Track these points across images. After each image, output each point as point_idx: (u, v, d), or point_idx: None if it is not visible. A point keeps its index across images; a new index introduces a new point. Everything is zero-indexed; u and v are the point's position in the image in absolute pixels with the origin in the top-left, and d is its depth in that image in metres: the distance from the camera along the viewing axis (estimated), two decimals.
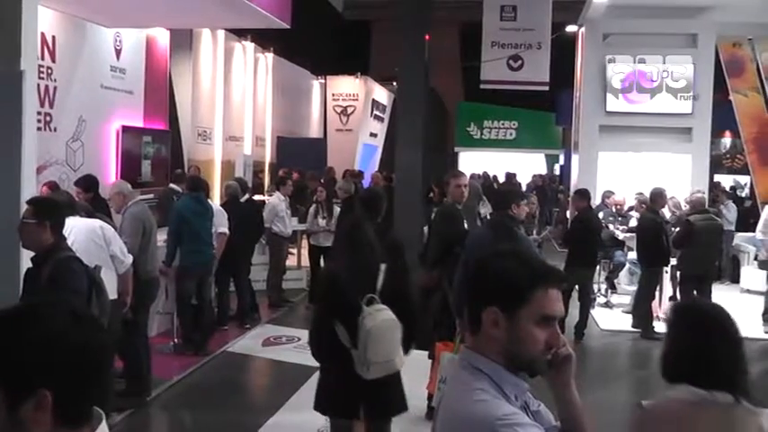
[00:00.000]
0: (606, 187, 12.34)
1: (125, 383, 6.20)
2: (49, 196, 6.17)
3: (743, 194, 18.00)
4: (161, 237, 7.47)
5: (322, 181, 12.66)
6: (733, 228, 12.65)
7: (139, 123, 11.12)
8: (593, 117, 13.78)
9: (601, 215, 10.98)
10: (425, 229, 8.91)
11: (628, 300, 10.33)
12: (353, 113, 21.05)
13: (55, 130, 9.05)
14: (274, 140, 17.04)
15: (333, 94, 21.22)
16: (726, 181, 19.55)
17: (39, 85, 7.86)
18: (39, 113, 7.78)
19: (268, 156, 16.86)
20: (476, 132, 26.47)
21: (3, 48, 5.43)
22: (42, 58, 8.47)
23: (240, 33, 14.59)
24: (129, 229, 6.41)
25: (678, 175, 13.25)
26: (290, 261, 11.56)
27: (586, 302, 9.22)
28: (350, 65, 22.22)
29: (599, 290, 10.91)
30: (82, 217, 5.65)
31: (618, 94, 13.56)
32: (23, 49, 5.44)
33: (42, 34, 8.31)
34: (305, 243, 11.48)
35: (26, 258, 4.47)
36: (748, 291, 11.71)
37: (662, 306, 9.53)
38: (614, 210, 11.84)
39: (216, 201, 10.36)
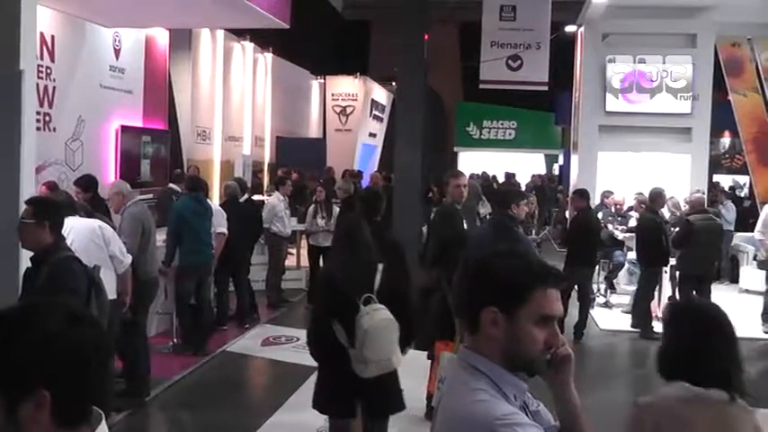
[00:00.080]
0: (605, 187, 12.35)
1: (124, 383, 6.20)
2: (48, 196, 6.17)
3: (742, 194, 18.00)
4: (160, 237, 7.47)
5: (321, 181, 12.66)
6: (732, 228, 12.66)
7: (139, 123, 11.12)
8: (593, 117, 13.78)
9: (600, 215, 10.99)
10: (425, 229, 8.91)
11: (627, 300, 10.34)
12: (353, 113, 21.06)
13: (54, 129, 9.04)
14: (273, 140, 17.04)
15: (332, 94, 21.22)
16: (725, 181, 19.56)
17: (38, 84, 7.85)
18: (38, 113, 7.77)
19: (267, 156, 16.86)
20: (475, 132, 26.46)
21: (2, 47, 5.43)
22: (41, 58, 8.47)
23: (239, 33, 14.59)
24: (128, 229, 6.41)
25: (677, 175, 13.25)
26: (290, 261, 11.56)
27: (586, 302, 9.23)
28: (349, 65, 22.22)
29: (598, 290, 10.91)
30: (81, 217, 5.65)
31: (618, 94, 13.56)
32: (22, 48, 5.44)
33: (41, 34, 8.31)
34: (304, 243, 11.48)
35: (25, 258, 4.47)
36: (747, 291, 11.72)
37: (661, 306, 9.53)
38: (613, 210, 11.85)
39: (215, 201, 10.36)
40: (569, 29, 14.93)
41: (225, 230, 8.28)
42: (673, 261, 9.53)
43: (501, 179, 20.61)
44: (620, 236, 10.95)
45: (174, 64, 12.30)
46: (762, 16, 12.82)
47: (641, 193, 11.06)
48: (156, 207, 9.38)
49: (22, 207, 4.48)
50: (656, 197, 9.63)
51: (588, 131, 13.89)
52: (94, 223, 5.65)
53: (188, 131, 12.83)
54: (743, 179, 18.66)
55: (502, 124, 26.35)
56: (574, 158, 15.05)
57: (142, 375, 6.38)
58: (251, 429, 5.91)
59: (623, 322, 9.78)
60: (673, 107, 13.42)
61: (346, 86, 21.22)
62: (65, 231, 4.52)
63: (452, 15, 21.10)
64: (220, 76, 13.90)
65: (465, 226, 6.46)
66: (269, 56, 16.85)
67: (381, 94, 23.34)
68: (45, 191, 7.10)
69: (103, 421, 1.37)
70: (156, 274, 6.83)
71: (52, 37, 8.89)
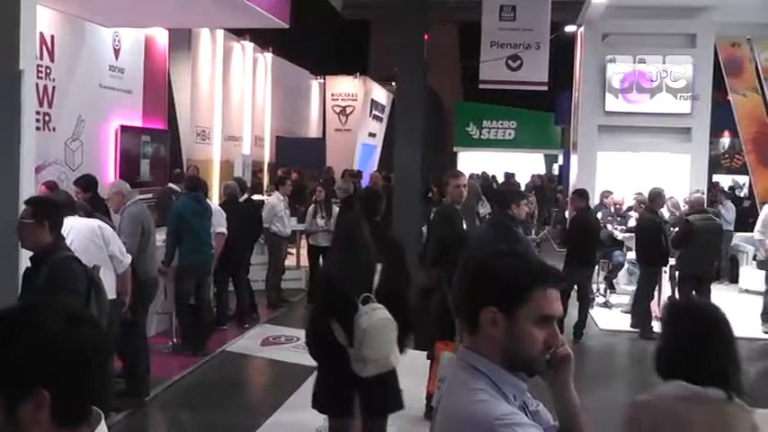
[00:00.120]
0: (605, 187, 12.34)
1: (124, 383, 6.20)
2: (48, 196, 6.16)
3: (741, 194, 18.01)
4: (160, 236, 7.47)
5: (321, 181, 12.66)
6: (731, 228, 12.66)
7: (138, 123, 11.12)
8: (592, 117, 13.78)
9: (599, 215, 10.99)
10: (424, 229, 8.91)
11: (626, 300, 10.34)
12: (352, 113, 21.06)
13: (54, 129, 9.04)
14: (273, 140, 17.04)
15: (332, 94, 21.23)
16: (724, 181, 19.57)
17: (37, 84, 7.85)
18: (37, 113, 7.77)
19: (267, 155, 16.86)
20: (475, 132, 26.46)
21: (1, 47, 5.43)
22: (41, 58, 8.47)
23: (239, 33, 14.59)
24: (127, 228, 6.41)
25: (677, 175, 13.25)
26: (289, 261, 11.56)
27: (585, 302, 9.23)
28: (349, 65, 22.22)
29: (598, 290, 10.92)
30: (81, 217, 5.65)
31: (618, 94, 13.56)
32: (22, 48, 5.44)
33: (41, 34, 8.31)
34: (304, 243, 11.48)
35: (25, 258, 4.47)
36: (747, 291, 11.71)
37: (661, 306, 9.53)
38: (613, 210, 11.85)
39: (215, 200, 10.37)
40: (569, 29, 14.93)
41: (224, 230, 8.28)
42: (672, 261, 9.53)
43: (500, 179, 20.62)
44: (620, 236, 10.96)
45: (174, 64, 12.30)
46: (761, 16, 12.82)
47: (641, 193, 11.06)
48: (156, 207, 9.38)
49: (22, 207, 4.48)
50: (656, 197, 9.63)
51: (588, 131, 13.89)
52: (94, 223, 5.64)
53: (187, 131, 12.83)
54: (742, 179, 18.67)
55: (501, 124, 26.36)
56: (573, 158, 15.05)
57: (142, 375, 6.38)
58: (250, 429, 5.91)
59: (623, 322, 9.78)
60: (673, 107, 13.42)
61: (346, 86, 21.22)
62: (64, 231, 4.52)
63: (452, 15, 21.11)
64: (220, 75, 13.89)
65: (465, 226, 6.46)
66: (269, 56, 16.85)
67: (381, 94, 23.34)
68: (44, 190, 7.10)
69: (103, 421, 1.37)
70: (155, 273, 6.83)
71: (52, 37, 8.89)
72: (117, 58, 10.46)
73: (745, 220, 12.97)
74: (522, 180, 21.70)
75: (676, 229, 9.70)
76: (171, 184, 10.45)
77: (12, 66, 5.38)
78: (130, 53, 10.79)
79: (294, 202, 11.58)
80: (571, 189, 12.46)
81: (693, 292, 9.08)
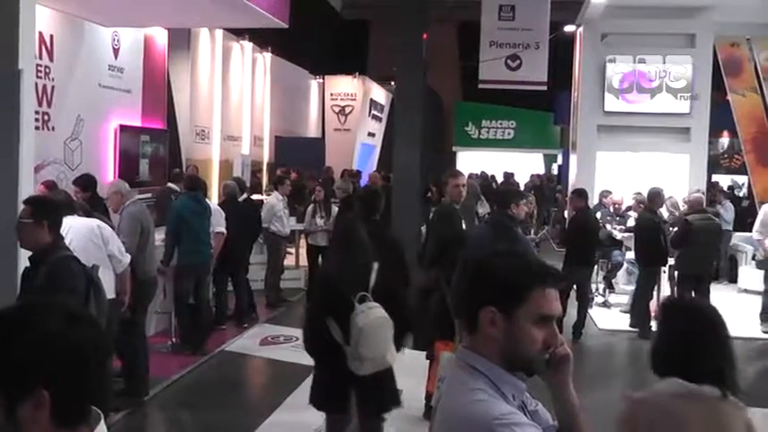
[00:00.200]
0: (604, 187, 12.34)
1: (123, 383, 6.20)
2: (47, 195, 6.16)
3: (740, 194, 18.01)
4: (159, 236, 7.47)
5: (320, 180, 12.66)
6: (730, 227, 12.67)
7: (137, 123, 11.11)
8: (592, 117, 13.78)
9: (599, 215, 10.99)
10: (423, 228, 8.91)
11: (626, 299, 10.34)
12: (351, 113, 21.05)
13: (53, 129, 9.04)
14: (272, 140, 17.04)
15: (331, 94, 21.22)
16: (724, 181, 19.57)
17: (36, 84, 7.84)
18: (37, 112, 7.77)
19: (266, 155, 16.86)
20: (474, 132, 26.46)
21: (0, 47, 5.42)
22: (40, 58, 8.47)
23: (238, 33, 14.58)
24: (126, 228, 6.41)
25: (676, 174, 13.26)
26: (288, 261, 11.56)
27: (584, 302, 9.23)
28: (348, 64, 22.22)
29: (597, 289, 10.92)
30: (80, 216, 5.65)
31: (618, 94, 13.56)
32: (21, 48, 5.44)
33: (40, 33, 8.30)
34: (303, 243, 11.48)
35: (24, 258, 4.47)
36: (746, 290, 11.72)
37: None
38: (612, 209, 11.85)
39: (214, 200, 10.36)
40: (568, 29, 14.93)
41: (223, 230, 8.28)
42: (671, 261, 9.54)
43: (500, 179, 20.62)
44: (619, 235, 10.96)
45: (173, 63, 12.29)
46: (760, 16, 12.82)
47: (640, 193, 11.06)
48: (155, 206, 9.37)
49: (21, 206, 4.48)
50: (655, 197, 9.63)
51: (587, 131, 13.89)
52: (93, 223, 5.64)
53: (187, 131, 12.83)
54: (741, 179, 18.67)
55: (501, 124, 26.36)
56: (572, 158, 15.06)
57: (141, 375, 6.38)
58: (249, 429, 5.91)
59: (622, 322, 9.78)
60: (673, 107, 13.41)
61: (345, 86, 21.22)
62: (63, 231, 4.52)
63: (451, 15, 21.11)
64: (219, 75, 13.89)
65: (464, 226, 6.46)
66: (268, 55, 16.85)
67: (380, 94, 23.34)
68: (43, 190, 7.10)
69: (102, 421, 1.37)
70: (154, 273, 6.83)
71: (51, 36, 8.89)
72: (116, 57, 10.46)
73: (744, 220, 12.98)
74: (522, 180, 21.70)
75: (675, 228, 9.70)
76: (170, 184, 10.44)
77: (11, 65, 5.38)
78: (130, 53, 10.79)
79: (293, 202, 11.58)
80: (570, 189, 12.46)
81: (693, 292, 9.09)
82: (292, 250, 12.22)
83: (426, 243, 6.87)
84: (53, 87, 8.95)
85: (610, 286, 11.17)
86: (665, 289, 10.02)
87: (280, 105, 17.69)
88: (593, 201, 11.55)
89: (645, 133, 13.50)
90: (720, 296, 9.49)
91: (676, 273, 9.55)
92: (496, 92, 17.97)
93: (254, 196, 11.48)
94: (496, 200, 6.93)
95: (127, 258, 5.80)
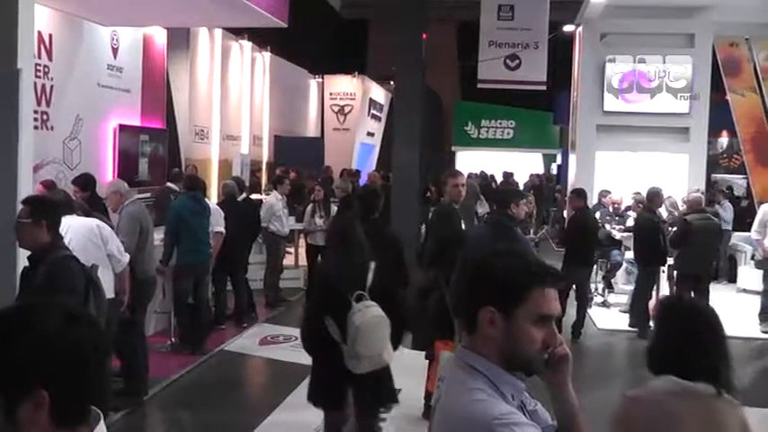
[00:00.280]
0: (603, 187, 12.34)
1: (122, 382, 6.20)
2: (45, 195, 6.16)
3: (739, 194, 18.01)
4: (158, 236, 7.46)
5: (319, 180, 12.66)
6: (730, 227, 12.67)
7: (136, 122, 11.11)
8: (591, 117, 13.78)
9: (598, 215, 10.99)
10: (422, 228, 8.92)
11: (625, 299, 10.34)
12: (351, 112, 21.06)
13: (52, 128, 9.04)
14: (271, 139, 17.04)
15: (330, 94, 21.23)
16: (722, 180, 19.57)
17: (36, 83, 7.85)
18: (36, 112, 7.77)
19: (265, 155, 16.86)
20: (473, 131, 26.46)
21: None
22: (39, 57, 8.47)
23: (237, 32, 14.58)
24: (126, 228, 6.40)
25: (675, 174, 13.26)
26: (288, 260, 11.55)
27: (583, 302, 9.23)
28: (347, 64, 22.23)
29: (596, 289, 10.92)
30: (79, 216, 5.64)
31: (618, 94, 13.55)
32: (20, 47, 5.43)
33: (39, 33, 8.30)
34: (302, 242, 11.48)
35: (23, 257, 4.47)
36: (745, 290, 11.72)
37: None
38: (611, 209, 11.85)
39: (213, 200, 10.36)
40: (567, 28, 14.93)
41: (223, 230, 8.27)
42: (670, 261, 9.54)
43: (499, 179, 20.62)
44: (618, 235, 10.95)
45: (172, 63, 12.29)
46: (760, 16, 12.82)
47: (639, 193, 11.06)
48: (154, 206, 9.37)
49: (20, 206, 4.47)
50: (654, 197, 9.63)
51: (586, 131, 13.89)
52: (92, 222, 5.64)
53: (186, 130, 12.82)
54: (741, 179, 18.67)
55: (500, 124, 26.36)
56: (572, 158, 15.06)
57: (140, 374, 6.37)
58: (249, 428, 5.91)
59: (621, 322, 9.78)
60: (672, 107, 13.41)
61: (344, 85, 21.22)
62: (62, 230, 4.52)
63: (450, 15, 21.12)
64: (218, 75, 13.89)
65: (463, 226, 6.46)
66: (267, 55, 16.85)
67: (379, 94, 23.35)
68: (42, 189, 7.10)
69: (102, 421, 1.37)
70: (153, 273, 6.83)
71: (50, 36, 8.89)
72: (115, 57, 10.46)
73: (744, 220, 12.99)
74: (521, 179, 21.70)
75: (674, 228, 9.70)
76: (169, 184, 10.43)
77: (10, 65, 5.37)
78: (129, 52, 10.79)
79: (292, 202, 11.58)
80: (569, 189, 12.46)
81: (692, 292, 9.09)
82: (291, 250, 12.21)
83: (425, 243, 6.87)
84: (52, 87, 8.95)
85: (609, 286, 11.17)
86: (665, 289, 10.03)
87: (279, 105, 17.69)
88: (593, 200, 11.55)
89: (644, 133, 13.50)
90: (719, 296, 9.49)
91: (675, 273, 9.56)
92: (496, 91, 17.98)
93: (254, 196, 11.48)
94: (496, 200, 6.93)
95: (126, 258, 5.80)
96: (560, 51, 15.31)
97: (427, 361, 5.86)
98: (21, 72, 5.41)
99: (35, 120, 7.53)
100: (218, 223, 8.20)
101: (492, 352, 1.75)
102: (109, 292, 5.04)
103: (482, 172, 21.11)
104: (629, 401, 2.55)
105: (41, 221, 4.16)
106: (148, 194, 10.19)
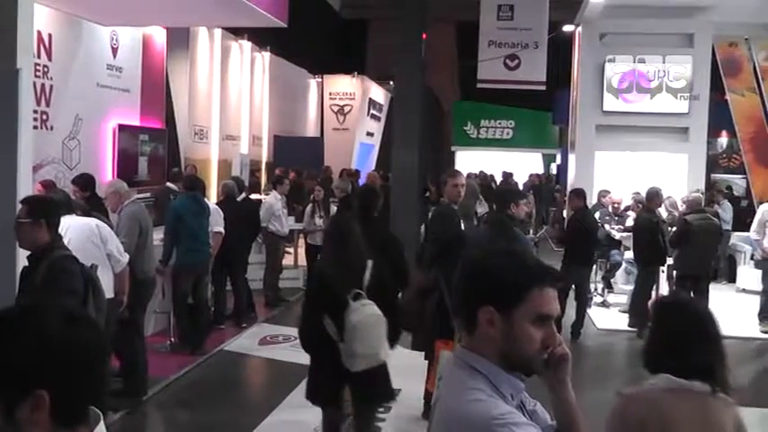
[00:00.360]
0: (603, 187, 12.33)
1: (122, 383, 6.19)
2: (45, 195, 6.16)
3: (739, 194, 18.01)
4: (157, 236, 7.46)
5: (319, 180, 12.66)
6: (729, 227, 12.67)
7: (136, 122, 11.11)
8: (590, 116, 13.77)
9: (597, 215, 10.98)
10: (422, 228, 8.91)
11: (624, 299, 10.34)
12: (350, 112, 21.06)
13: (51, 128, 9.04)
14: (271, 139, 17.04)
15: (330, 93, 21.23)
16: (722, 180, 19.57)
17: (35, 83, 7.85)
18: (35, 112, 7.77)
19: (265, 155, 16.86)
20: (472, 131, 26.47)
21: None
22: (39, 57, 8.46)
23: (237, 32, 14.58)
24: (125, 228, 6.40)
25: (674, 174, 13.26)
26: (287, 260, 11.56)
27: (583, 302, 9.23)
28: (347, 64, 22.24)
29: (596, 289, 10.92)
30: (78, 216, 5.64)
31: (617, 94, 13.55)
32: (20, 47, 5.43)
33: (39, 32, 8.30)
34: (302, 242, 11.48)
35: (23, 257, 4.47)
36: (744, 290, 11.73)
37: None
38: (611, 209, 11.84)
39: (212, 200, 10.36)
40: (567, 28, 14.93)
41: (222, 229, 8.27)
42: (670, 261, 9.54)
43: (498, 179, 20.63)
44: (618, 235, 10.95)
45: (172, 63, 12.29)
46: (759, 16, 12.83)
47: (638, 193, 11.06)
48: (154, 206, 9.38)
49: (19, 206, 4.47)
50: (653, 197, 9.63)
51: (585, 131, 13.89)
52: (92, 222, 5.64)
53: (185, 130, 12.83)
54: (740, 179, 18.68)
55: (499, 123, 26.37)
56: (571, 158, 15.05)
57: (139, 374, 6.37)
58: (248, 428, 5.91)
59: (620, 322, 9.78)
60: (672, 107, 13.41)
61: (344, 85, 21.23)
62: (62, 230, 4.52)
63: (450, 15, 21.12)
64: (218, 74, 13.89)
65: (462, 226, 6.46)
66: (266, 55, 16.85)
67: (379, 94, 23.35)
68: (42, 189, 7.10)
69: (102, 421, 1.37)
70: (153, 273, 6.82)
71: (50, 35, 8.89)
72: (115, 56, 10.46)
73: (743, 220, 12.99)
74: (520, 179, 21.71)
75: (674, 228, 9.70)
76: (169, 184, 10.44)
77: (9, 64, 5.37)
78: (128, 52, 10.79)
79: (292, 202, 11.59)
80: (569, 188, 12.46)
81: (691, 292, 9.09)
82: (291, 250, 12.22)
83: (425, 243, 6.87)
84: (51, 87, 8.95)
85: (608, 286, 11.17)
86: (664, 289, 10.03)
87: (278, 105, 17.69)
88: (592, 200, 11.55)
89: (643, 133, 13.49)
90: (719, 296, 9.49)
91: (675, 273, 9.56)
92: (495, 91, 17.99)
93: (253, 196, 11.48)
94: (496, 200, 6.92)
95: (125, 258, 5.80)
96: (560, 51, 15.30)
97: (426, 361, 5.86)
98: (20, 72, 5.41)
99: (35, 120, 7.54)
100: (217, 223, 8.20)
101: (491, 352, 1.75)
102: (108, 292, 5.04)
103: (482, 172, 21.12)
104: (624, 399, 2.57)
105: (41, 221, 4.16)
106: (148, 194, 10.19)
